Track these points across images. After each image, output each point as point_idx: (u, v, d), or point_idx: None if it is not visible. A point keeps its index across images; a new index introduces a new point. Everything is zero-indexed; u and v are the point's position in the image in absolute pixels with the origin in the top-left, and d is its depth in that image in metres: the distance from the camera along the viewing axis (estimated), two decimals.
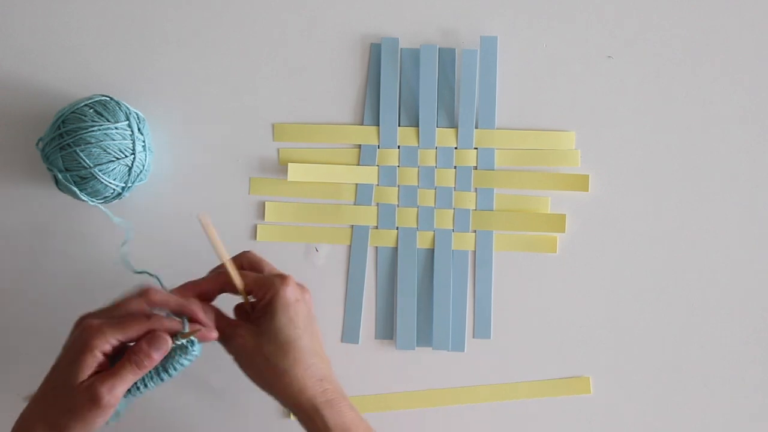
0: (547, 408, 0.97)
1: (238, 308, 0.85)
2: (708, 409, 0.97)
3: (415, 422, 0.97)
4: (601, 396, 0.97)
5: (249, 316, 0.83)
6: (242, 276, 0.82)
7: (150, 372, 0.79)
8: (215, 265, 0.84)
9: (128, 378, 0.77)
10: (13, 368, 0.96)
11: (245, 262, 0.85)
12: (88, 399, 0.75)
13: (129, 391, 0.79)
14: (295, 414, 0.81)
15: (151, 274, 0.84)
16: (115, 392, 0.76)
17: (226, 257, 0.82)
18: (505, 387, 0.97)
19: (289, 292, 0.81)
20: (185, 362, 0.79)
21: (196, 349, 0.79)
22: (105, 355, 0.77)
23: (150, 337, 0.77)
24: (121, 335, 0.77)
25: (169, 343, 0.78)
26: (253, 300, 0.83)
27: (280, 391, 0.80)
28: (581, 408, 0.97)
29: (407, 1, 0.97)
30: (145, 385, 0.79)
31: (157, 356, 0.77)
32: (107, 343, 0.77)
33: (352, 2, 0.97)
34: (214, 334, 0.80)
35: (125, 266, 0.85)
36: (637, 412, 0.97)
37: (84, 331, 0.78)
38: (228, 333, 0.81)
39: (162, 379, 0.80)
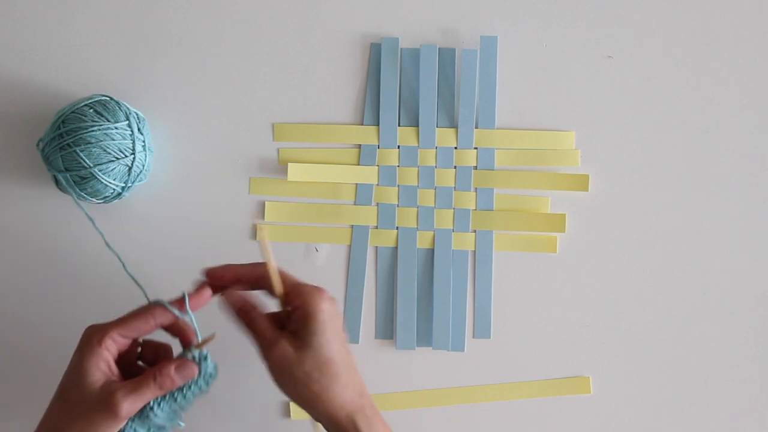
0: (547, 408, 0.97)
1: (271, 316, 0.82)
2: (708, 409, 0.97)
3: (415, 422, 0.97)
4: (601, 396, 0.97)
5: (283, 323, 0.81)
6: (282, 280, 0.81)
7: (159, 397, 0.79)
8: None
9: (147, 395, 0.78)
10: (12, 368, 0.96)
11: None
12: (106, 406, 0.76)
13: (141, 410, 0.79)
14: (330, 429, 0.80)
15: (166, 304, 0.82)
16: (134, 405, 0.77)
17: (272, 260, 0.80)
18: (505, 387, 0.97)
19: (327, 308, 0.79)
20: (195, 389, 0.80)
21: (210, 367, 0.80)
22: (112, 356, 0.78)
23: (180, 363, 0.79)
24: (124, 330, 0.78)
25: (195, 372, 0.79)
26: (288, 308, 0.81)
27: (318, 406, 0.79)
28: (581, 408, 0.97)
29: (407, 1, 0.97)
30: (151, 409, 0.79)
31: (180, 382, 0.79)
32: (109, 338, 0.77)
33: (352, 2, 0.97)
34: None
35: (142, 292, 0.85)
36: (637, 412, 0.97)
37: (86, 331, 0.79)
38: (271, 340, 0.79)
39: (169, 407, 0.80)
